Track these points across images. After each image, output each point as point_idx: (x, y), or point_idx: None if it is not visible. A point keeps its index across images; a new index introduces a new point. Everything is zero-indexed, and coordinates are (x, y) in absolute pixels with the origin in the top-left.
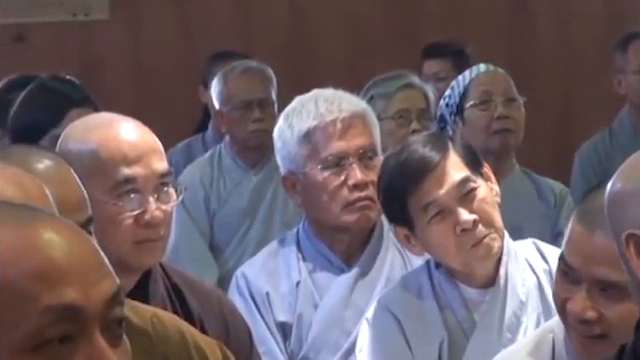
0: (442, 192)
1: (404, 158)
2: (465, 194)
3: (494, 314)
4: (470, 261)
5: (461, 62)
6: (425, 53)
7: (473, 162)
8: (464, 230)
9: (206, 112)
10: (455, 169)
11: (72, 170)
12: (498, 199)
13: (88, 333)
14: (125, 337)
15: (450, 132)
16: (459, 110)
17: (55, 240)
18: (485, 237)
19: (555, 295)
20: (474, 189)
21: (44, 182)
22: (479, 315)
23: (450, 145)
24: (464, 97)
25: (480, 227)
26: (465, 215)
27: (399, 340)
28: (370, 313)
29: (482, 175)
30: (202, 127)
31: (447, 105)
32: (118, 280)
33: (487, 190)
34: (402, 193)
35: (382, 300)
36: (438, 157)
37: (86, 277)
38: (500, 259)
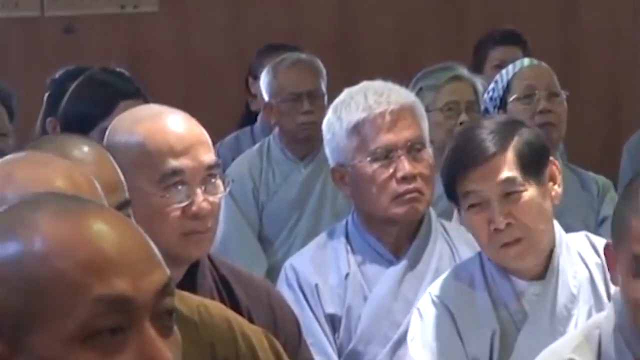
0: (485, 185)
1: (466, 139)
2: (507, 194)
3: (545, 306)
4: (500, 259)
5: (526, 52)
6: (495, 40)
7: (529, 164)
8: (496, 230)
9: (248, 107)
10: (506, 167)
11: (107, 154)
12: (556, 201)
13: (138, 324)
14: (175, 327)
15: None
16: (502, 103)
17: (105, 231)
18: (517, 240)
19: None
20: (518, 192)
21: (79, 166)
22: (529, 307)
23: (514, 140)
24: (507, 90)
25: (514, 229)
26: (500, 215)
27: (450, 330)
28: (421, 303)
29: (536, 178)
30: (243, 122)
31: (491, 98)
32: (168, 271)
33: (536, 194)
34: (452, 172)
35: (433, 290)
36: (494, 149)
37: (136, 268)
38: (552, 252)
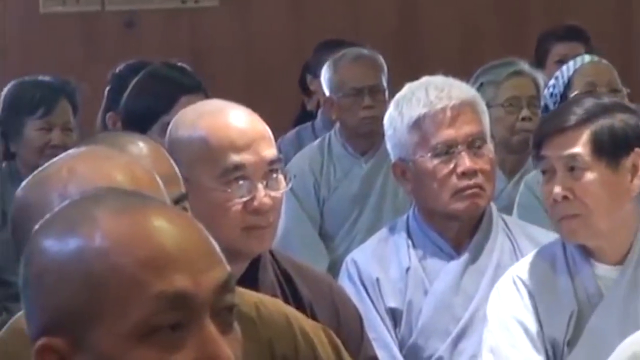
0: (554, 154)
1: (561, 107)
2: (571, 168)
3: (619, 291)
4: (559, 231)
5: (589, 49)
6: (558, 35)
7: (604, 147)
8: (554, 201)
9: (304, 107)
10: (577, 143)
11: (162, 148)
12: (633, 193)
13: (198, 320)
14: (235, 324)
15: None
16: (563, 99)
17: (165, 228)
18: (574, 216)
19: None
20: (582, 169)
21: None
22: (606, 290)
23: (599, 120)
24: (567, 86)
25: (571, 205)
26: (559, 187)
27: (529, 311)
28: (501, 282)
29: (610, 163)
30: (298, 123)
31: (551, 94)
32: (229, 268)
33: (604, 178)
34: (537, 135)
35: (514, 270)
36: (572, 123)
37: (196, 264)
38: (635, 236)
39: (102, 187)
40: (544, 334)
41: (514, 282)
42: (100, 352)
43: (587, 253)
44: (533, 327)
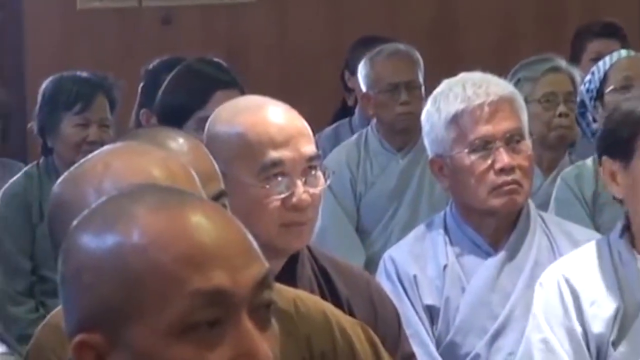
0: None
1: None
2: None
3: None
4: None
5: (625, 46)
6: (594, 32)
7: None
8: None
9: (344, 102)
10: None
11: (202, 145)
12: None
13: (236, 317)
14: (273, 320)
15: (590, 117)
16: (599, 94)
17: (203, 224)
18: None
19: None
20: None
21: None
22: None
23: None
24: (603, 81)
25: None
26: None
27: (572, 307)
28: (545, 277)
29: None
30: (337, 118)
31: (587, 90)
32: (267, 264)
33: None
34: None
35: (558, 267)
36: None
37: (234, 261)
38: None
39: (139, 184)
40: (588, 333)
41: (557, 279)
42: (138, 349)
43: (635, 248)
44: (577, 326)
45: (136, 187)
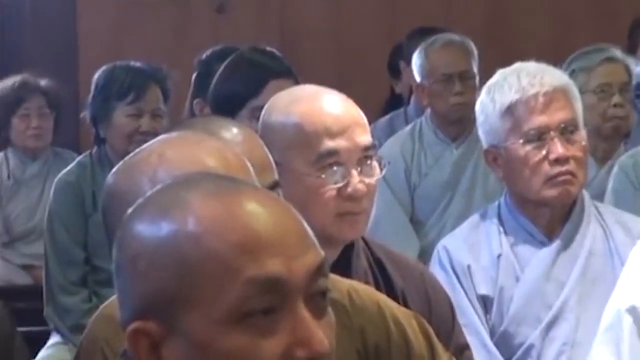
0: None
1: None
2: None
3: None
4: None
5: None
6: None
7: None
8: None
9: (392, 91)
10: None
11: (256, 135)
12: None
13: (291, 305)
14: (329, 308)
15: None
16: None
17: (258, 212)
18: None
19: None
20: None
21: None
22: None
23: None
24: None
25: None
26: None
27: None
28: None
29: None
30: (387, 106)
31: None
32: (322, 252)
33: None
34: None
35: None
36: None
37: (289, 249)
38: None
39: (194, 172)
40: None
41: None
42: (193, 337)
43: None
44: None
45: (190, 175)
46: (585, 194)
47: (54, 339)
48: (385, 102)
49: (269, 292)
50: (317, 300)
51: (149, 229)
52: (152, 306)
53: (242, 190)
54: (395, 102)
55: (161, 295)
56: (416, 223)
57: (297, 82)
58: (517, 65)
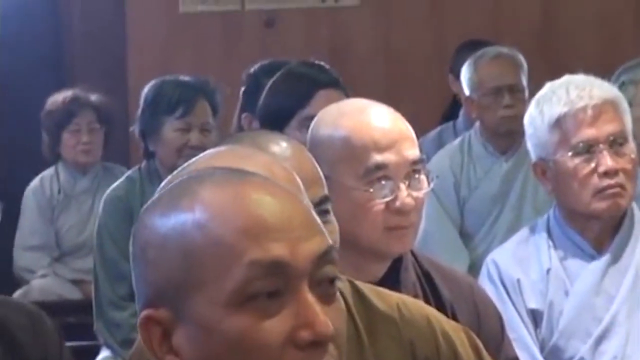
0: None
1: None
2: None
3: None
4: None
5: None
6: None
7: None
8: None
9: (454, 101)
10: None
11: (305, 149)
12: None
13: (295, 288)
14: (338, 295)
15: None
16: None
17: (264, 199)
18: None
19: None
20: None
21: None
22: None
23: None
24: None
25: None
26: None
27: None
28: None
29: None
30: (449, 116)
31: None
32: (329, 240)
33: None
34: None
35: None
36: None
37: (294, 234)
38: None
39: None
40: None
41: None
42: (199, 321)
43: None
44: None
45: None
46: (635, 207)
47: (104, 353)
48: (445, 111)
49: (273, 275)
50: (325, 286)
51: (160, 219)
52: (162, 294)
53: (249, 179)
54: (455, 111)
55: (170, 283)
56: (465, 236)
57: (345, 93)
58: (566, 77)
